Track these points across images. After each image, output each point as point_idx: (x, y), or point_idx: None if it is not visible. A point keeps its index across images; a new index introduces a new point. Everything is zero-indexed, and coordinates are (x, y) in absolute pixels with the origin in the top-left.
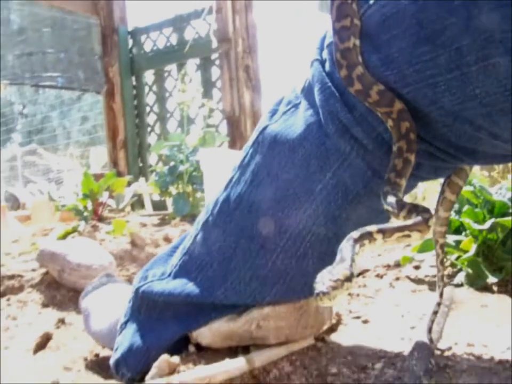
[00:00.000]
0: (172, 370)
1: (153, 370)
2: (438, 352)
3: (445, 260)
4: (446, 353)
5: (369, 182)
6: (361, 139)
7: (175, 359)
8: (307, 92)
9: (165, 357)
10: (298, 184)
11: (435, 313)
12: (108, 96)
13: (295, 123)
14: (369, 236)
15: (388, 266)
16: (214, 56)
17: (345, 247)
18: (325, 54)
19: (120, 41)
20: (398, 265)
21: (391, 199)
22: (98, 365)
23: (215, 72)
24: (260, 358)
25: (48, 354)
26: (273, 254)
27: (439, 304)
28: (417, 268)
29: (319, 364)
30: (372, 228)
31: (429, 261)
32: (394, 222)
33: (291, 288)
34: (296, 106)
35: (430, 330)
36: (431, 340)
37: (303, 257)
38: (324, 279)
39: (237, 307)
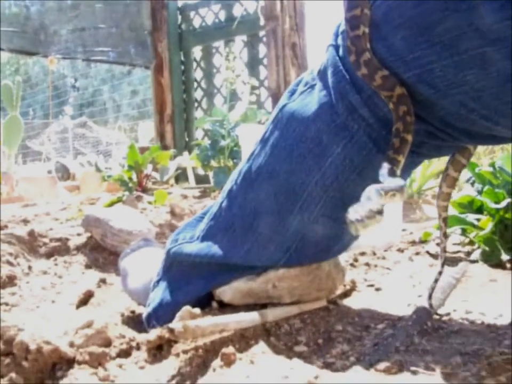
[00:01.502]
0: (193, 320)
1: (177, 318)
2: (436, 317)
3: (448, 233)
4: (444, 318)
5: (374, 157)
6: (368, 118)
7: (197, 310)
8: (322, 74)
9: (187, 308)
10: (311, 157)
11: (436, 281)
12: (157, 71)
13: (311, 102)
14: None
15: (413, 243)
16: (262, 33)
17: (369, 191)
18: (340, 40)
19: (169, 17)
20: (422, 242)
21: (384, 171)
22: (133, 320)
23: (262, 49)
24: (273, 313)
25: (89, 310)
26: (288, 220)
27: (440, 273)
28: (439, 244)
29: (327, 322)
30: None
31: (452, 239)
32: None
33: (304, 252)
34: (312, 87)
35: (430, 296)
36: (430, 305)
37: (315, 223)
38: (357, 210)
39: (256, 268)
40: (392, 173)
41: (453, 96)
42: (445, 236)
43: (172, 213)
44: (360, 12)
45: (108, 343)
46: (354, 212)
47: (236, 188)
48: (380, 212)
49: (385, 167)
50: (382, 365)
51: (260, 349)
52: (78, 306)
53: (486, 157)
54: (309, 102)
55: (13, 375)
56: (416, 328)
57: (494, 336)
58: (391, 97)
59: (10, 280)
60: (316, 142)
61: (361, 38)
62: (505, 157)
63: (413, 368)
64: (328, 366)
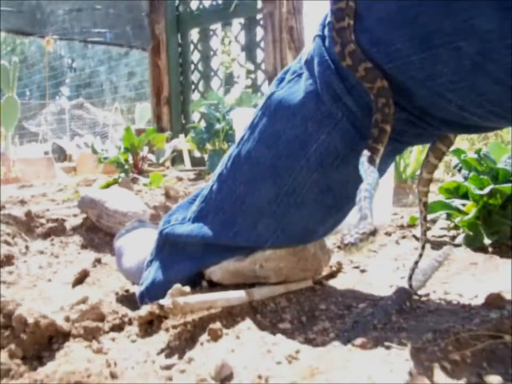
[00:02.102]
0: (183, 297)
1: (167, 296)
2: (416, 297)
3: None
4: (423, 299)
5: (356, 144)
6: (352, 107)
7: (187, 288)
8: (309, 63)
9: (177, 286)
10: (297, 143)
11: (416, 263)
12: (154, 53)
13: (297, 90)
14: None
15: (402, 227)
16: (259, 16)
17: (364, 200)
18: (326, 31)
19: None
20: (410, 226)
21: (363, 158)
22: (127, 299)
23: (259, 32)
24: (260, 292)
25: (85, 288)
26: (275, 203)
27: (420, 255)
28: (427, 229)
29: (312, 301)
30: None
31: (440, 224)
32: None
33: (290, 235)
34: (299, 75)
35: (410, 277)
36: (410, 286)
37: (300, 206)
38: (351, 232)
39: (244, 249)
40: (371, 160)
41: (431, 87)
42: (425, 219)
43: (167, 195)
44: (345, 4)
45: (101, 318)
46: (349, 236)
47: (226, 171)
48: (373, 233)
49: (365, 154)
50: (359, 341)
51: (246, 325)
52: (74, 285)
53: (479, 143)
54: (295, 90)
55: (12, 346)
56: (395, 307)
57: (467, 315)
58: (372, 89)
59: (8, 260)
60: (301, 128)
61: (346, 30)
62: (494, 144)
63: (387, 344)
64: (309, 341)
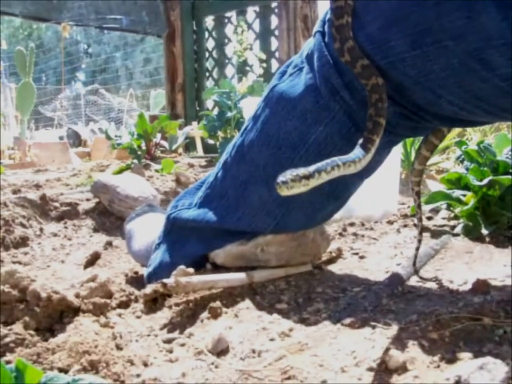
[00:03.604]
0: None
1: (172, 276)
2: (418, 279)
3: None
4: (415, 284)
5: (352, 136)
6: (348, 100)
7: (190, 269)
8: (309, 58)
9: (182, 267)
10: (297, 134)
11: (417, 248)
12: (169, 40)
13: (298, 84)
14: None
15: (405, 216)
16: (274, 4)
17: (323, 163)
18: (326, 27)
19: None
20: (413, 215)
21: (357, 148)
22: (136, 280)
23: (274, 20)
24: (260, 275)
25: (96, 270)
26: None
27: (419, 241)
28: (430, 218)
29: (309, 284)
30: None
31: (442, 214)
32: None
33: (289, 220)
34: (300, 69)
35: (414, 263)
36: (415, 270)
37: (300, 194)
38: (286, 174)
39: (246, 233)
40: (364, 147)
41: (422, 83)
42: (419, 207)
43: (177, 181)
44: (344, 3)
45: (109, 295)
46: (282, 176)
47: (230, 159)
48: (307, 177)
49: (359, 143)
50: (348, 320)
51: (245, 305)
52: (85, 267)
53: (492, 134)
54: (296, 83)
55: (27, 318)
56: (387, 291)
57: (453, 300)
58: (366, 85)
59: (23, 241)
60: (301, 120)
61: (345, 27)
62: (500, 136)
63: (373, 324)
64: (302, 321)
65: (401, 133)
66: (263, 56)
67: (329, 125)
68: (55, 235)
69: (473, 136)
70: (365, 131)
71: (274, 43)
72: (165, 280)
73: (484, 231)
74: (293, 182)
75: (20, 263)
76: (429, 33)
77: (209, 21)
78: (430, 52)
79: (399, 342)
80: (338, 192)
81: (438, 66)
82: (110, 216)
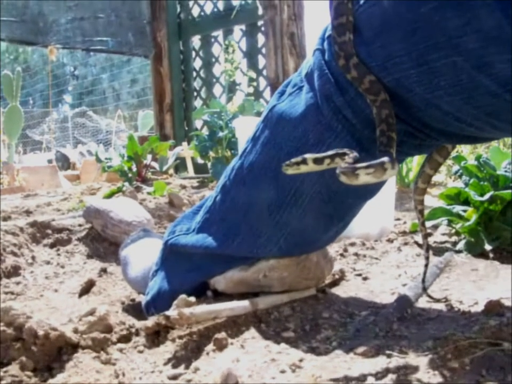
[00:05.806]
0: (188, 307)
1: (173, 306)
2: (429, 299)
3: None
4: (424, 306)
5: None
6: (351, 119)
7: (192, 298)
8: (309, 76)
9: (183, 296)
10: (298, 155)
11: (426, 265)
12: (156, 60)
13: (298, 103)
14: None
15: (404, 233)
16: (260, 22)
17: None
18: (326, 45)
19: (168, 6)
20: (412, 232)
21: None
22: (133, 308)
23: (260, 38)
24: (264, 301)
25: (91, 298)
26: (278, 213)
27: (427, 258)
28: (429, 235)
29: (315, 310)
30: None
31: (441, 229)
32: None
33: (292, 244)
34: (300, 88)
35: (423, 280)
36: (424, 288)
37: (302, 217)
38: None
39: (248, 259)
40: (385, 153)
41: (429, 99)
42: (423, 225)
43: (171, 203)
44: (346, 20)
45: (109, 330)
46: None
47: (229, 183)
48: (302, 162)
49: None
50: (361, 349)
51: (250, 334)
52: (80, 295)
53: (481, 146)
54: (296, 103)
55: (23, 358)
56: (396, 315)
57: (466, 323)
58: (375, 101)
59: (15, 270)
60: (303, 141)
61: (348, 44)
62: (495, 149)
63: (388, 352)
64: (312, 350)
65: (406, 151)
66: (254, 75)
67: (332, 145)
68: (48, 263)
69: (464, 149)
70: (379, 146)
71: (261, 61)
72: (167, 313)
73: (487, 247)
74: (288, 166)
75: (12, 293)
76: (435, 49)
77: (196, 41)
78: (437, 68)
79: (418, 372)
80: (342, 213)
81: (445, 82)
82: (103, 241)
